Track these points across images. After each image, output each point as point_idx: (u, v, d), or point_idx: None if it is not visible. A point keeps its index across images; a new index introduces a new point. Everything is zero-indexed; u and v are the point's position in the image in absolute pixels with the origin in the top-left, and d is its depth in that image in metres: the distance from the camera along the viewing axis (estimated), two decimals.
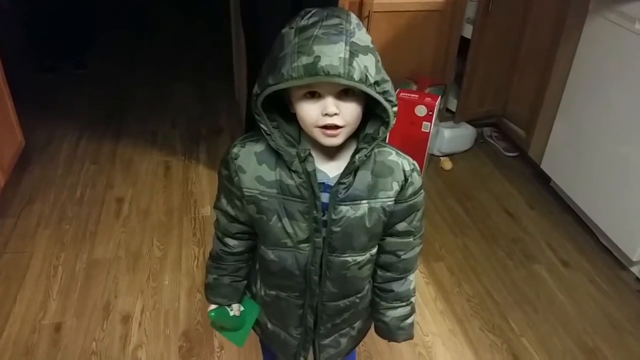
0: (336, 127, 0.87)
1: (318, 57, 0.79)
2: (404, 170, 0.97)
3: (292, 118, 0.92)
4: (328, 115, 0.86)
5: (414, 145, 2.48)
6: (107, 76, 3.56)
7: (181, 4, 4.83)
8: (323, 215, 0.96)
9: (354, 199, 0.95)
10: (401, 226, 1.03)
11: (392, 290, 1.10)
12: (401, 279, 1.10)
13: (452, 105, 2.83)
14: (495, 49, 2.68)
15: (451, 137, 2.75)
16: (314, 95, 0.86)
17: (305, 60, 0.80)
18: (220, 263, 1.10)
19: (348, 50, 0.80)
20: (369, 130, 0.92)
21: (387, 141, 1.01)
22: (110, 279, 1.95)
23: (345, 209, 0.95)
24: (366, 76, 0.81)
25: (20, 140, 2.45)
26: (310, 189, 0.93)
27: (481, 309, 1.89)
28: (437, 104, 2.42)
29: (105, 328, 1.76)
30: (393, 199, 0.98)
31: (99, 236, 2.14)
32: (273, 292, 1.09)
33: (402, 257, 1.07)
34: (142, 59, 3.88)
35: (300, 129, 0.94)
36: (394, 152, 0.98)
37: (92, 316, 1.80)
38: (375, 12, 2.48)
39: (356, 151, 0.92)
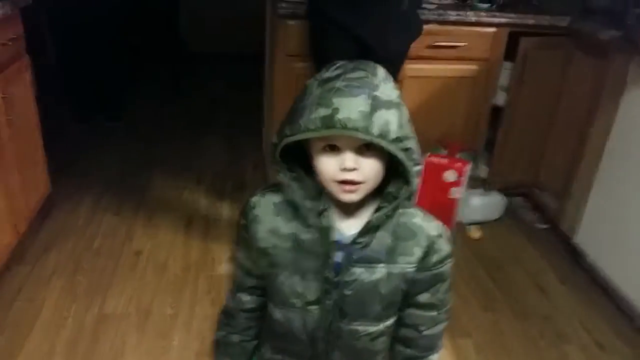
0: (354, 183, 0.82)
1: (336, 110, 0.76)
2: (428, 235, 0.91)
3: (314, 171, 0.88)
4: (346, 170, 0.81)
5: (442, 211, 2.39)
6: (140, 131, 3.59)
7: (217, 66, 4.94)
8: (336, 277, 0.90)
9: (369, 261, 0.89)
10: (424, 297, 0.95)
11: None
12: (422, 358, 1.00)
13: (483, 172, 2.76)
14: (528, 117, 2.63)
15: (481, 205, 2.66)
16: (333, 149, 0.82)
17: (323, 112, 0.77)
18: (230, 320, 1.05)
19: (369, 103, 0.77)
20: (391, 188, 0.87)
21: (415, 203, 0.95)
22: (119, 336, 1.88)
23: (359, 271, 0.89)
24: (387, 131, 0.77)
25: (47, 187, 2.46)
26: (324, 246, 0.88)
27: None
28: (467, 168, 2.35)
29: None
30: (414, 265, 0.91)
31: (112, 289, 2.09)
32: (279, 357, 1.02)
33: (424, 332, 0.98)
34: (175, 114, 3.93)
35: (321, 184, 0.89)
36: (419, 215, 0.92)
37: None
38: (409, 77, 2.47)
39: (376, 210, 0.87)
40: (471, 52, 2.52)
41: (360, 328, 0.93)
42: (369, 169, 0.83)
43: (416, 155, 0.82)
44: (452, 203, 2.40)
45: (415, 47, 2.37)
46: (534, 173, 2.75)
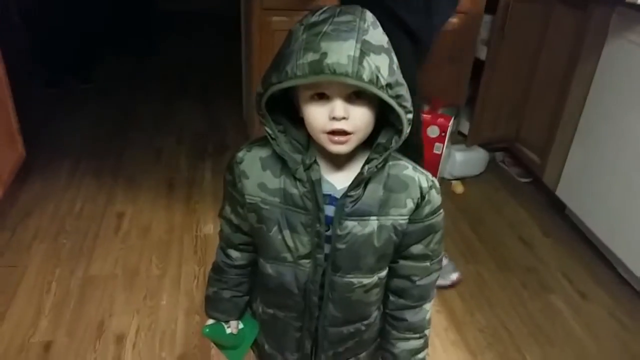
0: (344, 133, 0.80)
1: (325, 54, 0.72)
2: (420, 187, 0.89)
3: (301, 123, 0.85)
4: (335, 119, 0.78)
5: (425, 167, 2.40)
6: (112, 92, 3.52)
7: (190, 23, 4.82)
8: (327, 230, 0.88)
9: (362, 214, 0.87)
10: (417, 249, 0.94)
11: (405, 320, 1.00)
12: (416, 307, 1.00)
13: (465, 128, 2.77)
14: (510, 71, 2.62)
15: (463, 161, 2.67)
16: (322, 97, 0.79)
17: (311, 57, 0.73)
18: (221, 276, 1.03)
19: (359, 48, 0.73)
20: (382, 139, 0.84)
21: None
22: (106, 297, 1.86)
23: (351, 225, 0.87)
24: (377, 77, 0.74)
25: (20, 153, 2.39)
26: (314, 199, 0.86)
27: (495, 341, 1.79)
28: (450, 124, 2.35)
29: (98, 348, 1.67)
30: (407, 217, 0.89)
31: (97, 252, 2.06)
32: (270, 311, 1.01)
33: (417, 282, 0.97)
34: (149, 75, 3.85)
35: (309, 136, 0.86)
36: (410, 167, 0.90)
37: (84, 335, 1.71)
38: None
39: (367, 162, 0.84)
40: None
41: (354, 280, 0.92)
42: (359, 118, 0.80)
43: (408, 102, 0.79)
44: (436, 158, 2.40)
45: None
46: (516, 127, 2.76)
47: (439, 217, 0.93)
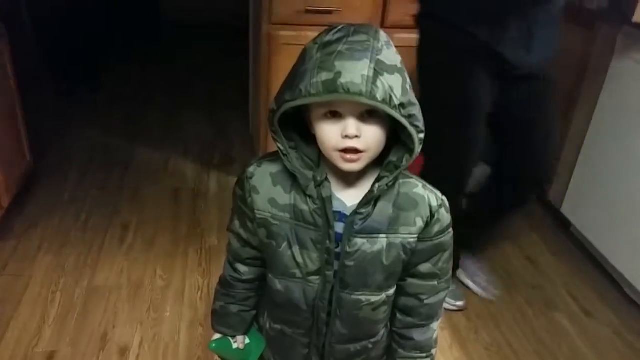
0: (356, 151, 0.80)
1: (339, 74, 0.73)
2: (430, 206, 0.89)
3: (313, 140, 0.85)
4: (348, 137, 0.79)
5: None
6: (120, 101, 3.55)
7: (198, 34, 4.86)
8: (337, 247, 0.88)
9: (371, 232, 0.87)
10: (425, 267, 0.94)
11: (412, 339, 1.00)
12: (423, 326, 0.99)
13: None
14: None
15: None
16: (335, 115, 0.80)
17: (325, 76, 0.74)
18: (229, 290, 1.03)
19: (373, 68, 0.74)
20: (393, 157, 0.84)
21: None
22: (110, 308, 1.86)
23: (360, 242, 0.87)
24: (391, 97, 0.75)
25: (29, 161, 2.41)
26: (325, 216, 0.86)
27: (499, 358, 1.77)
28: None
29: (101, 359, 1.67)
30: (416, 236, 0.90)
31: (101, 263, 2.06)
32: (278, 327, 1.01)
33: (425, 301, 0.97)
34: (157, 85, 3.87)
35: (320, 153, 0.87)
36: (420, 185, 0.90)
37: (88, 346, 1.71)
38: (396, 46, 2.44)
39: (377, 179, 0.85)
40: None
41: (362, 298, 0.92)
42: (371, 136, 0.80)
43: (420, 122, 0.80)
44: None
45: (403, 16, 2.35)
46: None
47: (448, 236, 0.93)
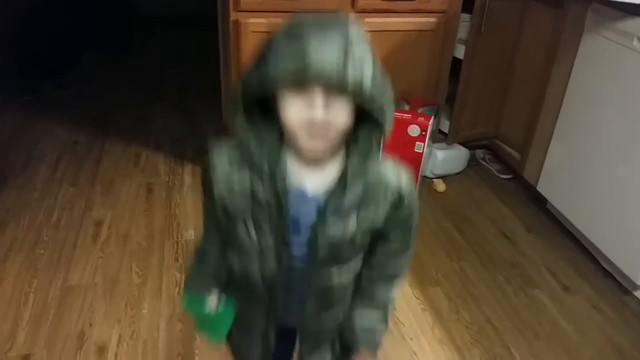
0: (323, 128, 0.78)
1: (308, 56, 0.72)
2: (398, 183, 0.90)
3: (274, 124, 0.83)
4: (315, 111, 0.77)
5: (407, 166, 2.39)
6: (89, 97, 3.46)
7: (168, 28, 4.78)
8: (295, 234, 0.89)
9: (342, 212, 0.87)
10: (395, 235, 0.96)
11: (372, 292, 1.01)
12: (386, 282, 1.02)
13: (445, 126, 2.77)
14: (488, 69, 2.63)
15: (444, 159, 2.67)
16: (301, 94, 0.77)
17: (294, 60, 0.73)
18: (204, 254, 1.03)
19: (343, 53, 0.73)
20: (361, 137, 0.83)
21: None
22: (86, 306, 1.82)
23: (332, 222, 0.87)
24: (361, 84, 0.75)
25: None
26: (278, 197, 0.85)
27: (481, 337, 1.79)
28: (430, 123, 2.35)
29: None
30: (386, 212, 0.90)
31: (75, 261, 2.02)
32: (237, 303, 1.03)
33: (391, 260, 1.00)
34: (126, 80, 3.79)
35: (282, 135, 0.85)
36: (390, 166, 0.91)
37: (64, 347, 1.67)
38: (366, 31, 2.42)
39: (346, 163, 0.84)
40: (429, 4, 2.48)
41: (334, 269, 0.93)
42: (339, 110, 0.78)
43: (389, 99, 0.80)
44: (417, 157, 2.39)
45: (372, 0, 2.34)
46: (495, 125, 2.77)
47: (414, 215, 0.97)
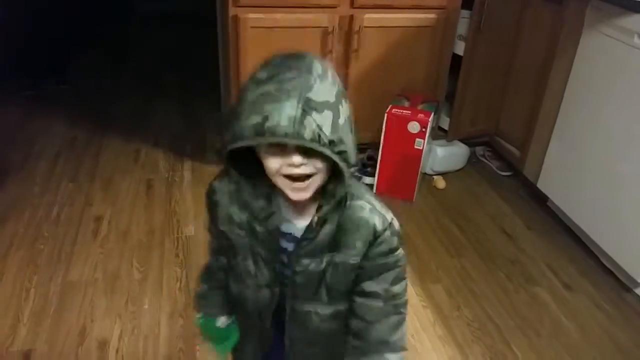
0: (304, 178, 0.81)
1: (266, 117, 0.74)
2: (374, 228, 0.89)
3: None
4: (293, 165, 0.79)
5: (407, 162, 2.40)
6: (88, 93, 3.46)
7: (168, 25, 4.77)
8: (286, 266, 0.94)
9: (314, 254, 0.91)
10: (368, 285, 0.93)
11: None
12: (376, 353, 0.94)
13: (445, 123, 2.77)
14: (487, 66, 2.63)
15: (444, 156, 2.67)
16: (275, 152, 0.79)
17: (254, 119, 0.74)
18: (211, 276, 1.08)
19: (301, 107, 0.74)
20: (330, 186, 0.85)
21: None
22: (87, 302, 1.82)
23: (306, 262, 0.91)
24: (319, 135, 0.75)
25: None
26: (273, 242, 0.92)
27: (482, 334, 1.79)
28: (430, 120, 2.35)
29: (80, 355, 1.63)
30: (358, 257, 0.91)
31: (75, 257, 2.01)
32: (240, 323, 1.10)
33: (372, 323, 0.94)
34: (126, 76, 3.79)
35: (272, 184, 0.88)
36: (367, 208, 0.90)
37: (65, 342, 1.67)
38: (366, 27, 2.43)
39: (317, 210, 0.87)
40: (429, 1, 2.48)
41: (311, 309, 0.96)
42: (314, 163, 0.80)
43: (351, 157, 0.80)
44: (417, 154, 2.39)
45: None
46: (495, 121, 2.77)
47: (393, 258, 0.92)
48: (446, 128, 2.75)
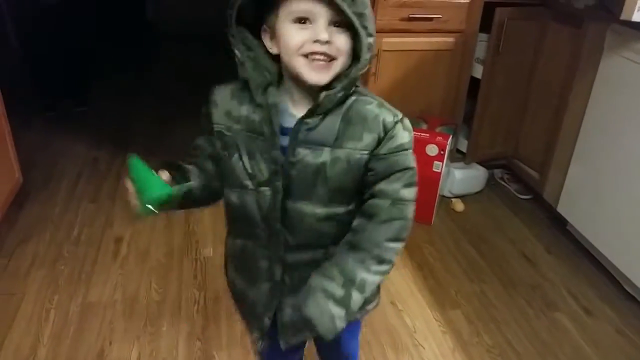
0: (326, 58, 0.82)
1: None
2: (383, 122, 0.87)
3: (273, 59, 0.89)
4: (319, 42, 0.80)
5: (425, 185, 2.38)
6: (108, 114, 3.51)
7: (186, 48, 4.83)
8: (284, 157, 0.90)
9: (315, 143, 0.87)
10: (378, 185, 0.90)
11: (344, 258, 0.91)
12: (362, 253, 0.90)
13: (463, 146, 2.76)
14: (506, 89, 2.63)
15: (462, 178, 2.67)
16: (303, 22, 0.81)
17: None
18: (194, 159, 1.02)
19: None
20: (343, 75, 0.86)
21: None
22: (106, 323, 1.83)
23: (304, 153, 0.87)
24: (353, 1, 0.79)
25: (18, 178, 2.37)
26: (270, 124, 0.87)
27: None
28: (448, 143, 2.35)
29: None
30: (366, 152, 0.88)
31: (95, 278, 2.03)
32: (239, 241, 1.02)
33: (371, 222, 0.91)
34: (145, 97, 3.84)
35: (280, 72, 0.89)
36: (375, 102, 0.90)
37: None
38: (384, 51, 2.44)
39: (325, 88, 0.85)
40: (447, 24, 2.49)
41: (306, 208, 0.91)
42: (341, 43, 0.82)
43: (370, 25, 0.81)
44: (435, 177, 2.39)
45: (390, 20, 2.36)
46: (514, 144, 2.76)
47: (403, 155, 0.90)
48: (464, 150, 2.74)
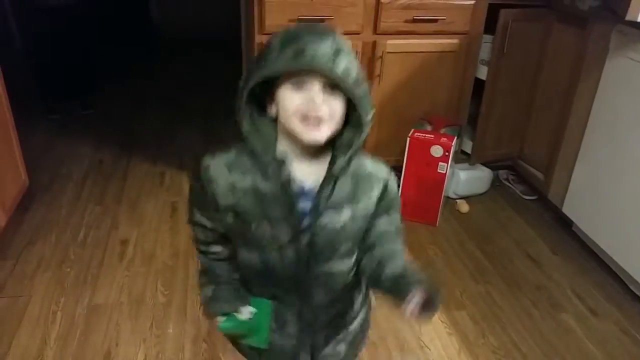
0: (321, 114, 0.86)
1: (303, 49, 0.81)
2: (382, 178, 0.98)
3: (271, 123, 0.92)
4: (314, 102, 0.85)
5: (430, 186, 2.40)
6: (114, 117, 3.53)
7: (191, 52, 4.85)
8: (302, 223, 0.93)
9: (335, 207, 0.92)
10: (381, 223, 0.99)
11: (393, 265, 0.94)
12: (407, 267, 0.95)
13: (467, 147, 2.76)
14: (510, 90, 2.63)
15: (467, 179, 2.66)
16: (300, 87, 0.86)
17: (292, 49, 0.83)
18: (213, 274, 1.04)
19: (334, 46, 0.83)
20: (346, 137, 0.91)
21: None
22: (112, 325, 1.83)
23: (328, 218, 0.92)
24: (348, 73, 0.83)
25: (24, 180, 2.39)
26: (286, 195, 0.90)
27: None
28: (453, 144, 2.35)
29: None
30: (374, 205, 0.96)
31: (101, 280, 2.04)
32: (270, 291, 1.03)
33: (387, 246, 0.99)
34: (151, 100, 3.86)
35: (276, 136, 0.92)
36: (369, 159, 0.98)
37: None
38: (388, 52, 2.45)
39: (332, 161, 0.91)
40: (451, 26, 2.50)
41: (334, 267, 0.96)
42: (334, 106, 0.86)
43: (370, 101, 0.88)
44: (440, 178, 2.39)
45: (395, 22, 2.37)
46: (519, 145, 2.76)
47: (397, 196, 1.02)
48: (469, 152, 2.75)
